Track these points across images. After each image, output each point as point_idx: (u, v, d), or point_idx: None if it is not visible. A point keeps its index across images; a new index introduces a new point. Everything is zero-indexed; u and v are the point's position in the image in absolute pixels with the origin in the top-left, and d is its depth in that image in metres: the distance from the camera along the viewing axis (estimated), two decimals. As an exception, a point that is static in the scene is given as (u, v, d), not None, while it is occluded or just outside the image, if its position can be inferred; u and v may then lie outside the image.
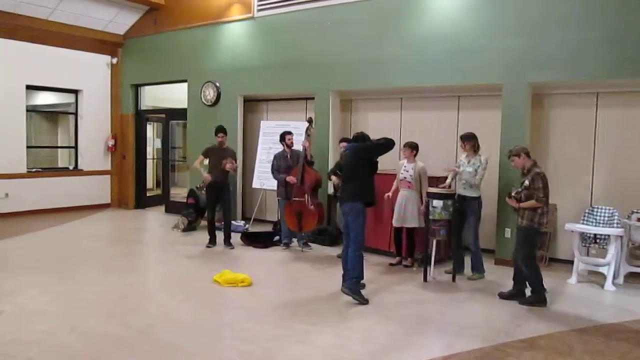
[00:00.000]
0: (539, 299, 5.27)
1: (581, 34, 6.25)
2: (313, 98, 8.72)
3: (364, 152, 5.54)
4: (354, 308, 5.11)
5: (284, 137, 7.70)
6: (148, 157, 12.17)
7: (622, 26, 6.03)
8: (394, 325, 4.66)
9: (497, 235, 6.94)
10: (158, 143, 12.73)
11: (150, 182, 12.88)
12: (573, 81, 6.53)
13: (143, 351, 4.01)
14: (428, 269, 6.17)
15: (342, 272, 5.52)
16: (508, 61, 6.75)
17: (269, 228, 8.79)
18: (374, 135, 5.73)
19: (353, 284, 5.32)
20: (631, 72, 6.04)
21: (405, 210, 6.53)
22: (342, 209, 5.61)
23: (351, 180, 5.52)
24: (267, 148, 9.13)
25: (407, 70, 7.56)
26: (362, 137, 5.64)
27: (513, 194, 5.38)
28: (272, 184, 8.18)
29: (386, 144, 5.51)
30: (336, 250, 7.30)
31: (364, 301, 5.26)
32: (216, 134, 7.78)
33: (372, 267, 6.68)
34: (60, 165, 11.78)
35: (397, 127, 8.32)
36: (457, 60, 7.10)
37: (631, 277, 6.16)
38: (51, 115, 12.53)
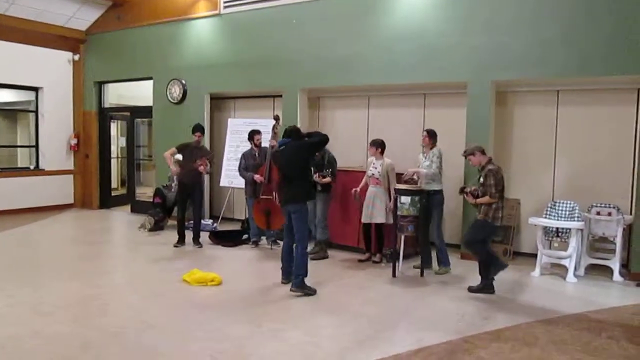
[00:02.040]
0: (485, 285, 5.50)
1: (546, 34, 6.42)
2: (281, 96, 8.71)
3: (304, 151, 5.63)
4: (325, 305, 5.14)
5: (252, 136, 7.68)
6: (112, 156, 11.94)
7: (586, 26, 6.21)
8: (364, 321, 4.70)
9: (462, 231, 7.08)
10: (123, 142, 12.49)
11: (115, 181, 12.64)
12: (536, 80, 6.70)
13: (112, 354, 3.94)
14: (397, 264, 6.25)
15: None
16: (473, 60, 6.88)
17: (237, 226, 8.75)
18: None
19: (300, 282, 5.43)
20: (594, 72, 6.24)
21: (373, 207, 6.59)
22: (285, 208, 5.63)
23: (294, 179, 5.54)
24: (234, 146, 9.08)
25: (376, 69, 7.62)
26: (296, 133, 5.68)
27: (469, 190, 5.59)
28: (240, 182, 8.14)
29: (322, 142, 5.66)
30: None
31: (311, 292, 5.42)
32: (193, 133, 7.66)
33: (341, 264, 6.75)
34: (20, 165, 11.42)
35: (364, 124, 8.39)
36: (425, 59, 7.20)
37: (591, 268, 6.38)
38: (10, 113, 12.14)
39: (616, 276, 6.12)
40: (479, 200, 5.50)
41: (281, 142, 5.76)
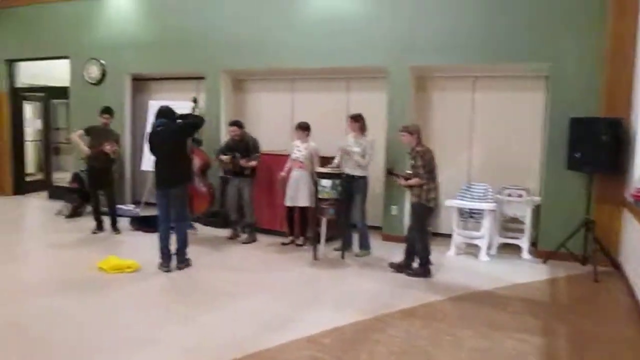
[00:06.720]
0: (424, 271, 5.61)
1: (458, 21, 6.62)
2: (204, 78, 8.52)
3: (181, 132, 5.76)
4: (244, 289, 5.13)
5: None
6: (27, 139, 11.29)
7: (496, 13, 6.46)
8: (283, 304, 4.73)
9: (384, 213, 7.24)
10: (39, 124, 11.83)
11: (32, 166, 11.98)
12: (450, 66, 6.91)
13: (10, 346, 3.76)
14: (318, 247, 6.31)
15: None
16: (392, 45, 6.99)
17: (160, 212, 8.52)
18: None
19: (185, 258, 5.79)
20: (503, 58, 6.49)
21: (297, 190, 6.60)
22: (168, 191, 5.65)
23: (173, 161, 5.65)
24: (157, 129, 8.80)
25: (293, 51, 7.59)
26: (171, 113, 5.74)
27: (401, 174, 5.69)
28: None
29: (197, 124, 5.87)
30: (228, 232, 7.25)
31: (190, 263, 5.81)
32: (101, 115, 7.40)
33: (265, 247, 6.74)
34: None
35: (289, 108, 8.36)
36: (345, 43, 7.23)
37: (503, 248, 6.69)
38: None
39: (525, 254, 6.46)
40: (409, 182, 5.61)
41: (157, 122, 5.71)
